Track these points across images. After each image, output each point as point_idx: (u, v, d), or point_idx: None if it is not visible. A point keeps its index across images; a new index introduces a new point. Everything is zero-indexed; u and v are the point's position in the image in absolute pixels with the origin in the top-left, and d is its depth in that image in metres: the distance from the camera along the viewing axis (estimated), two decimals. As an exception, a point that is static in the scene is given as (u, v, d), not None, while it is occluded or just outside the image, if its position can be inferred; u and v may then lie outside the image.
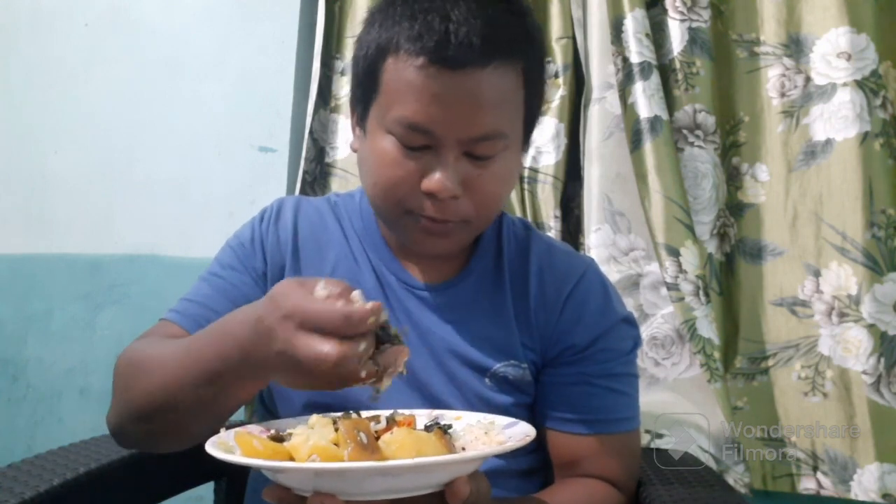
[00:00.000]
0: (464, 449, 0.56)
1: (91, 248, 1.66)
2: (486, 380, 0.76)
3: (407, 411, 0.62)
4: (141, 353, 0.69)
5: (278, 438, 0.55)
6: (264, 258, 0.80)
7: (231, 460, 0.50)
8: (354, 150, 0.78)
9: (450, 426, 0.59)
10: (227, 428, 0.57)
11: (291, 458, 0.51)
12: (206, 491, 1.00)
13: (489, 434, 0.59)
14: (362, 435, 0.50)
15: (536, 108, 0.75)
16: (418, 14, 0.66)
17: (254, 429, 0.60)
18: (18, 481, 0.70)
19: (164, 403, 0.61)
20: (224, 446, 0.54)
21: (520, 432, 0.59)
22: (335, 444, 0.50)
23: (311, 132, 1.47)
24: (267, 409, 0.81)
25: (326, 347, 0.48)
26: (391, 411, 0.61)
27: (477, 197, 0.70)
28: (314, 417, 0.56)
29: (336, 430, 0.52)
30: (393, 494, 0.50)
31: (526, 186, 1.36)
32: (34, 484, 0.69)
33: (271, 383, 0.78)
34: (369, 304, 0.49)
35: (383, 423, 0.55)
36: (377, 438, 0.52)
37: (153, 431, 0.65)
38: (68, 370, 1.63)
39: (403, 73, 0.66)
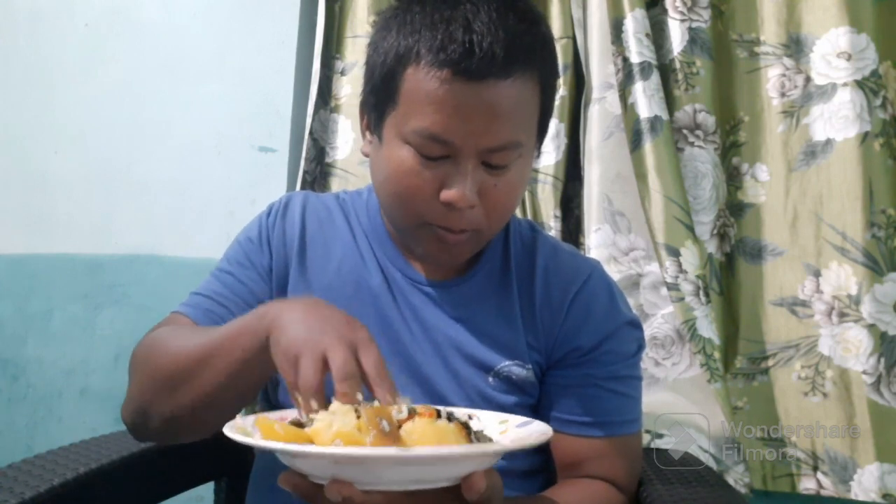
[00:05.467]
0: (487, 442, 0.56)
1: (91, 248, 1.65)
2: (490, 378, 0.76)
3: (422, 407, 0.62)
4: (164, 333, 0.71)
5: (298, 424, 0.54)
6: (270, 253, 0.81)
7: (252, 443, 0.50)
8: (366, 156, 0.77)
9: (470, 417, 0.58)
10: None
11: (312, 444, 0.50)
12: (206, 491, 1.00)
13: (504, 433, 0.59)
14: (385, 423, 0.50)
15: (550, 113, 0.75)
16: (439, 23, 0.65)
17: (271, 416, 0.60)
18: (18, 481, 0.70)
19: (194, 365, 0.63)
20: (242, 430, 0.53)
21: (536, 430, 0.59)
22: (357, 431, 0.50)
23: (311, 132, 1.46)
24: (270, 405, 0.81)
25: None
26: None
27: (491, 205, 0.70)
28: (335, 404, 0.55)
29: (358, 416, 0.51)
30: (411, 485, 0.50)
31: (526, 186, 1.35)
32: (34, 484, 0.69)
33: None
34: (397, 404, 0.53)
35: (405, 413, 0.54)
36: (398, 427, 0.51)
37: (178, 408, 0.65)
38: (68, 370, 1.63)
39: (424, 83, 0.65)
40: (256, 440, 0.50)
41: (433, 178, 0.68)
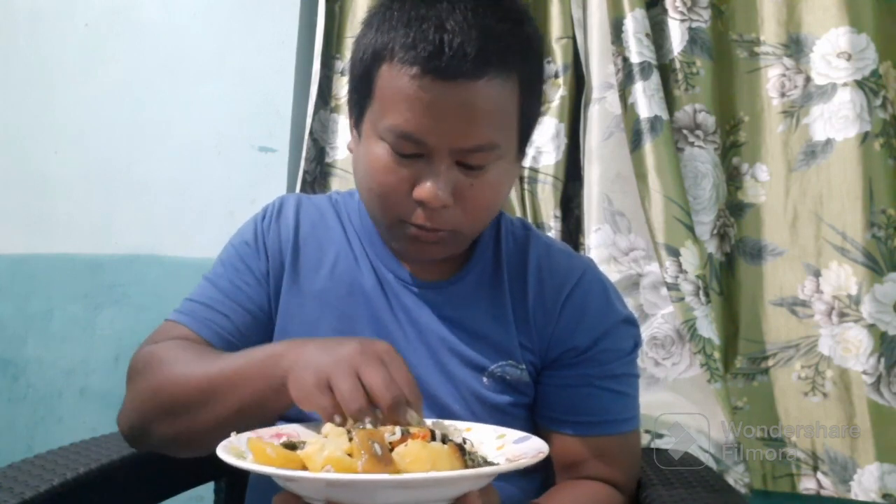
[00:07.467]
0: (481, 463, 0.56)
1: (91, 248, 1.65)
2: (484, 379, 0.76)
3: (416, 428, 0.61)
4: (165, 351, 0.71)
5: (291, 446, 0.55)
6: (266, 257, 0.80)
7: (244, 466, 0.50)
8: (351, 151, 0.77)
9: (464, 440, 0.58)
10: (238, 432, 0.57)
11: (304, 467, 0.50)
12: (206, 491, 1.00)
13: (501, 449, 0.59)
14: (377, 446, 0.50)
15: (533, 115, 0.74)
16: (413, 21, 0.65)
17: (265, 433, 0.60)
18: (18, 481, 0.70)
19: (199, 396, 0.64)
20: (235, 451, 0.53)
21: (532, 448, 0.58)
22: (349, 455, 0.50)
23: (311, 132, 1.47)
24: None
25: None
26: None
27: (468, 206, 0.69)
28: (327, 426, 0.55)
29: (350, 439, 0.51)
30: None
31: (526, 186, 1.36)
32: (34, 484, 0.69)
33: None
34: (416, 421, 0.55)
35: (398, 435, 0.54)
36: (391, 450, 0.51)
37: (179, 432, 0.67)
38: (68, 370, 1.63)
39: (397, 81, 0.65)
40: (249, 463, 0.50)
41: (407, 175, 0.68)
